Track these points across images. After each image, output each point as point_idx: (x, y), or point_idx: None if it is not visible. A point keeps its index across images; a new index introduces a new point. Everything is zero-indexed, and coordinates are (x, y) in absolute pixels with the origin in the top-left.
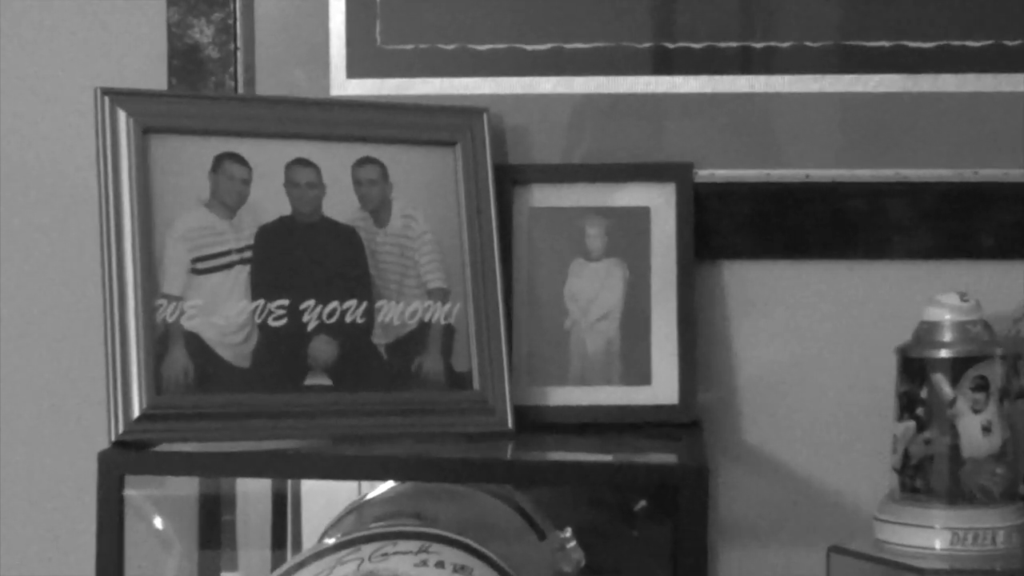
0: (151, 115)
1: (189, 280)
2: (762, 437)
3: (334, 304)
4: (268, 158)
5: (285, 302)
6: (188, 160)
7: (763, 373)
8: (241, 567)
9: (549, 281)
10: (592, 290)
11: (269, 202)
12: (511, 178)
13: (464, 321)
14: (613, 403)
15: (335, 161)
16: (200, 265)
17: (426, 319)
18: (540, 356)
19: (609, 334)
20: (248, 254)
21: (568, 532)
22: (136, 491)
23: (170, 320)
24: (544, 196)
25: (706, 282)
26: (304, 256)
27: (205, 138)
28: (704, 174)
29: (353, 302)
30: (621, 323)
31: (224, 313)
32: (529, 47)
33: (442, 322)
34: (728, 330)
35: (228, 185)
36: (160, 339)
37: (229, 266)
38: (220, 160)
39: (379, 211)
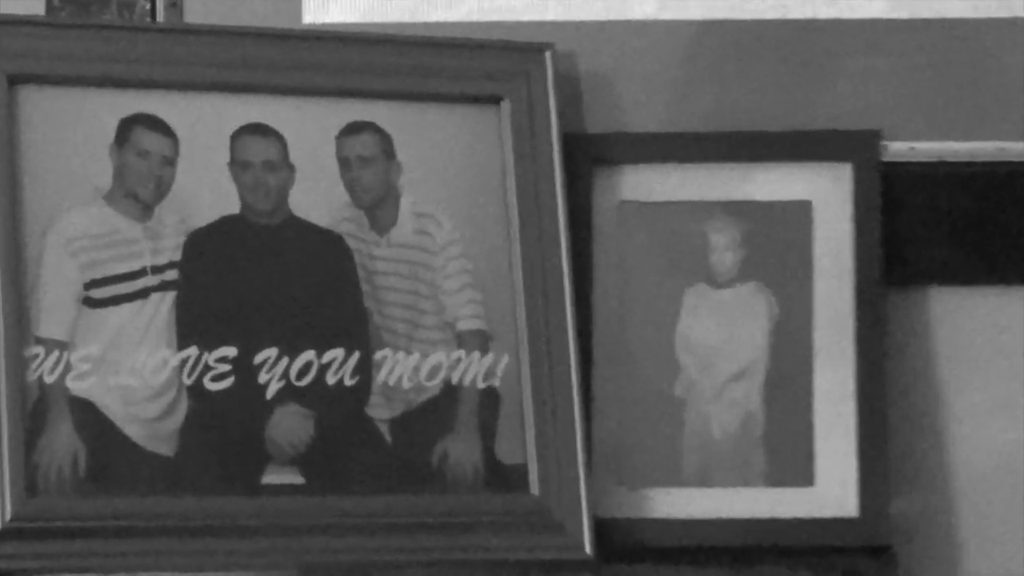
0: (20, 55)
1: (79, 316)
2: (997, 569)
3: (307, 355)
4: (203, 123)
5: (231, 352)
6: (78, 125)
7: (997, 465)
8: None
9: (651, 319)
10: (720, 334)
11: (205, 193)
12: (590, 155)
13: (515, 384)
14: (753, 515)
15: (309, 127)
16: (97, 293)
17: (454, 380)
18: (636, 440)
19: (747, 405)
20: (172, 275)
21: None
22: None
23: (49, 380)
24: (642, 184)
25: (902, 320)
26: (261, 279)
27: (104, 91)
28: (898, 149)
29: (338, 353)
30: (766, 387)
31: (134, 369)
32: None
33: (479, 384)
34: (939, 396)
35: (140, 166)
36: (34, 410)
37: (143, 294)
38: (128, 125)
39: (379, 208)
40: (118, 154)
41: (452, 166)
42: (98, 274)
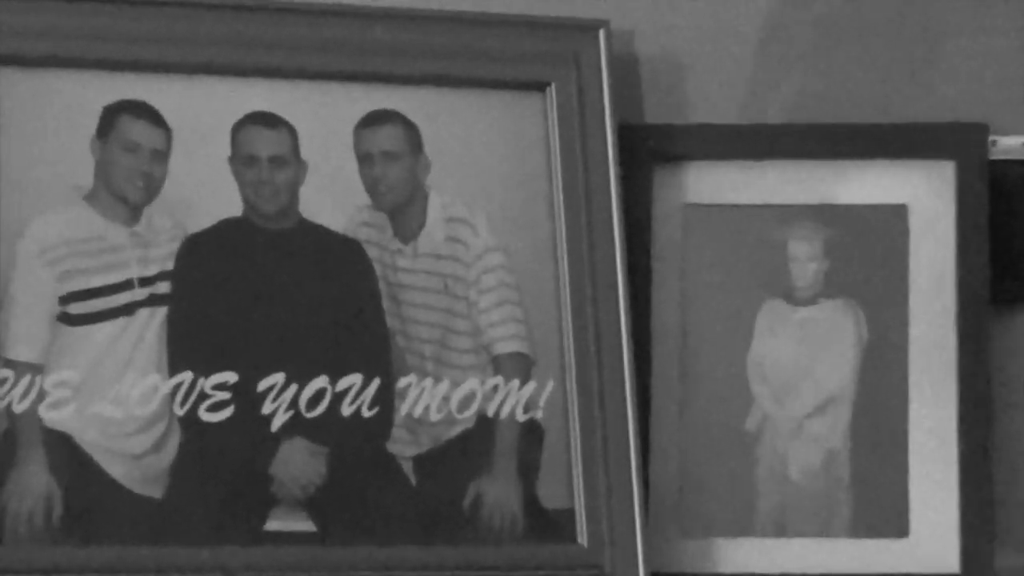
0: None
1: (55, 336)
2: None
3: (319, 382)
4: (200, 111)
5: (231, 377)
6: (54, 114)
7: None
8: None
9: (719, 342)
10: (799, 359)
11: (203, 192)
12: (650, 150)
13: (560, 416)
14: (838, 570)
15: (324, 117)
16: (76, 308)
17: (490, 411)
18: (701, 483)
19: (831, 442)
20: (163, 288)
21: None
22: None
23: (19, 409)
24: (710, 184)
25: (1012, 344)
26: (266, 293)
27: (84, 74)
28: (1008, 145)
29: (355, 379)
30: (853, 421)
31: (118, 397)
32: None
33: (519, 417)
34: None
35: (127, 161)
36: (1, 444)
37: (129, 310)
38: (113, 114)
39: (404, 211)
40: (101, 147)
41: (489, 163)
42: (77, 286)
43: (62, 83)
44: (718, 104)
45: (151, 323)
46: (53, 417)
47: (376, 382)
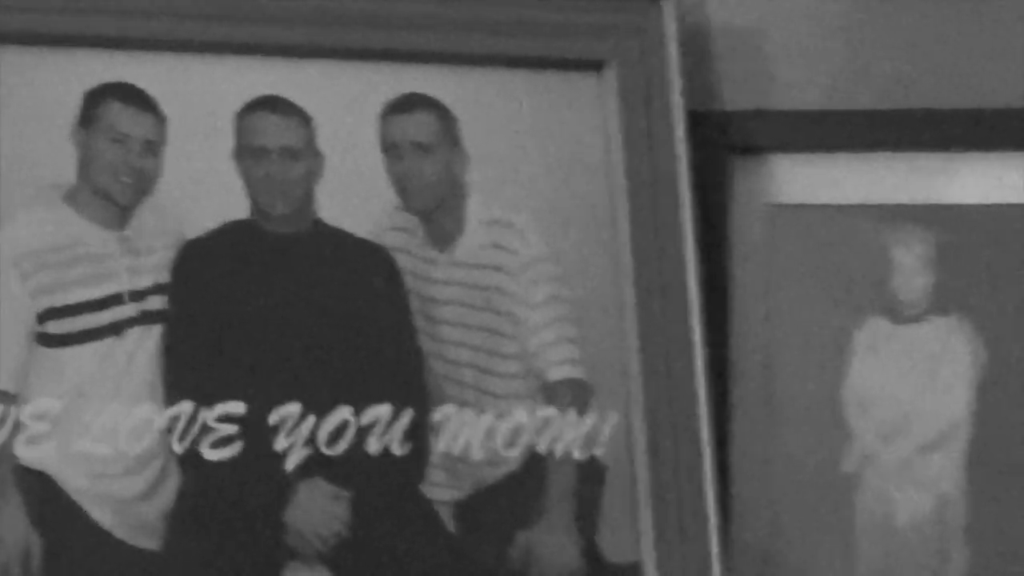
0: None
1: (32, 359)
2: None
3: (341, 414)
4: (199, 95)
5: (238, 408)
6: (30, 100)
7: None
8: None
9: (810, 367)
10: (905, 386)
11: (202, 191)
12: (726, 140)
13: (624, 454)
14: None
15: (344, 102)
16: (55, 327)
17: (542, 448)
18: (791, 532)
19: (943, 484)
20: (157, 303)
21: None
22: None
23: None
24: (796, 179)
25: None
26: (278, 309)
27: (66, 53)
28: None
29: (383, 411)
30: (968, 459)
31: (106, 431)
32: None
33: (577, 455)
34: None
35: (114, 154)
36: None
37: (117, 329)
38: (97, 100)
39: (439, 212)
40: (84, 138)
41: (538, 156)
42: (56, 301)
43: (36, 63)
44: (804, 87)
45: (143, 344)
46: (31, 455)
47: (408, 414)
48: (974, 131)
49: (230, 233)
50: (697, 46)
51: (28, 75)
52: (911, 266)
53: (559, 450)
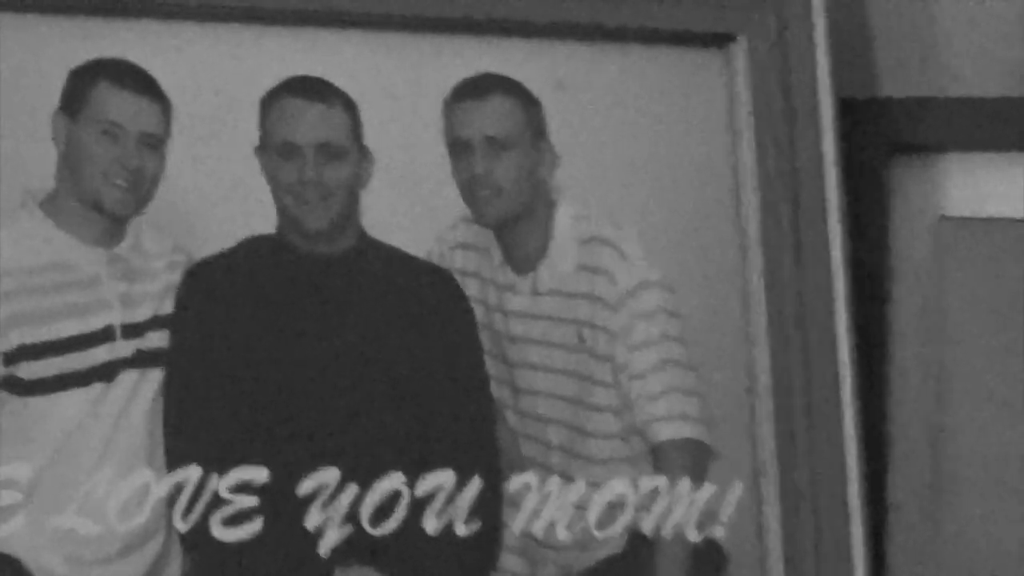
0: None
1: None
2: None
3: (390, 483)
4: (213, 76)
5: (258, 475)
6: (2, 76)
7: None
8: None
9: (999, 419)
10: None
11: (216, 198)
12: (887, 135)
13: (754, 536)
14: None
15: (398, 85)
16: (28, 370)
17: (647, 527)
18: None
19: None
20: (157, 341)
21: None
22: None
23: None
24: (978, 185)
25: None
26: (312, 348)
27: (48, 22)
28: None
29: (444, 478)
30: None
31: (91, 504)
32: None
33: (692, 536)
34: None
35: (105, 149)
36: None
37: (105, 373)
38: (85, 80)
39: (519, 226)
40: (67, 128)
41: (646, 153)
42: (29, 337)
43: (16, 35)
44: (987, 70)
45: (139, 392)
46: None
47: (475, 483)
48: None
49: (251, 252)
50: (851, 20)
51: (10, 48)
52: None
53: (669, 530)
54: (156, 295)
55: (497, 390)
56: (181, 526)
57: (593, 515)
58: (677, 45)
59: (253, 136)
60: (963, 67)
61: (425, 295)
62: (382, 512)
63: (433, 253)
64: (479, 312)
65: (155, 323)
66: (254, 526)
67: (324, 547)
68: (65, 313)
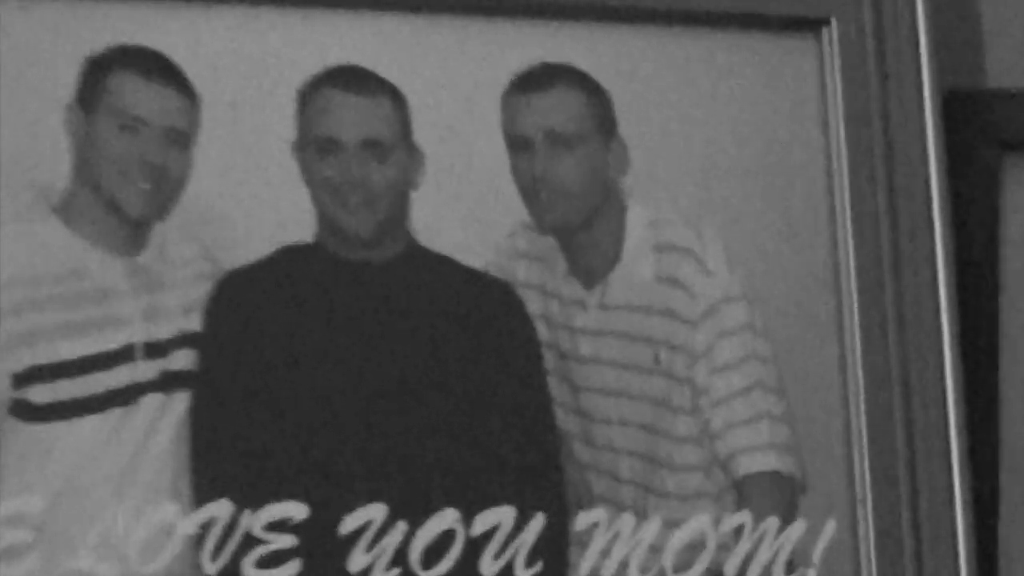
0: None
1: (5, 438)
2: None
3: (444, 520)
4: (244, 65)
5: (296, 511)
6: (9, 66)
7: None
8: None
9: None
10: None
11: (250, 201)
12: (997, 129)
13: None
14: None
15: (451, 76)
16: (40, 394)
17: (731, 569)
18: None
19: None
20: (182, 361)
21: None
22: None
23: None
24: None
25: None
26: (355, 370)
27: (61, 7)
28: None
29: (504, 515)
30: None
31: (109, 541)
32: None
33: None
34: None
35: (125, 146)
36: None
37: (125, 397)
38: (103, 69)
39: (586, 233)
40: (84, 123)
41: (729, 151)
42: (42, 357)
43: (21, 20)
44: None
45: (163, 418)
46: (4, 574)
47: (539, 520)
48: None
49: (288, 261)
50: (957, 1)
51: (6, 36)
52: None
53: (755, 572)
54: (181, 309)
55: (562, 417)
56: (210, 568)
57: (669, 556)
58: (761, 30)
59: (289, 132)
60: None
61: (482, 310)
62: (434, 553)
63: (491, 263)
64: (542, 329)
65: (181, 341)
66: (291, 569)
67: None
68: (81, 329)
